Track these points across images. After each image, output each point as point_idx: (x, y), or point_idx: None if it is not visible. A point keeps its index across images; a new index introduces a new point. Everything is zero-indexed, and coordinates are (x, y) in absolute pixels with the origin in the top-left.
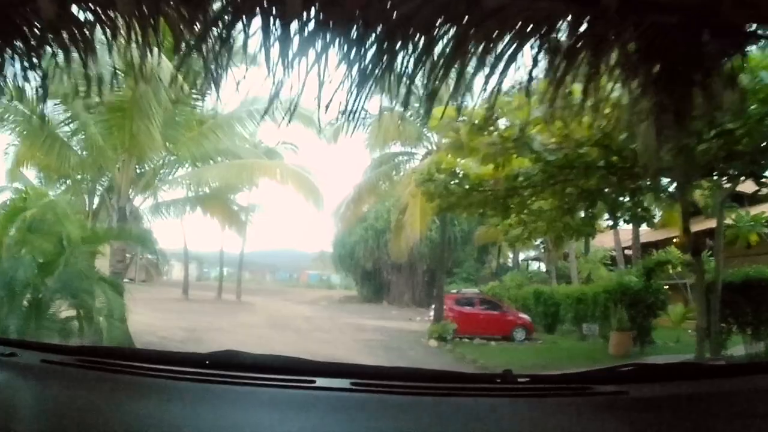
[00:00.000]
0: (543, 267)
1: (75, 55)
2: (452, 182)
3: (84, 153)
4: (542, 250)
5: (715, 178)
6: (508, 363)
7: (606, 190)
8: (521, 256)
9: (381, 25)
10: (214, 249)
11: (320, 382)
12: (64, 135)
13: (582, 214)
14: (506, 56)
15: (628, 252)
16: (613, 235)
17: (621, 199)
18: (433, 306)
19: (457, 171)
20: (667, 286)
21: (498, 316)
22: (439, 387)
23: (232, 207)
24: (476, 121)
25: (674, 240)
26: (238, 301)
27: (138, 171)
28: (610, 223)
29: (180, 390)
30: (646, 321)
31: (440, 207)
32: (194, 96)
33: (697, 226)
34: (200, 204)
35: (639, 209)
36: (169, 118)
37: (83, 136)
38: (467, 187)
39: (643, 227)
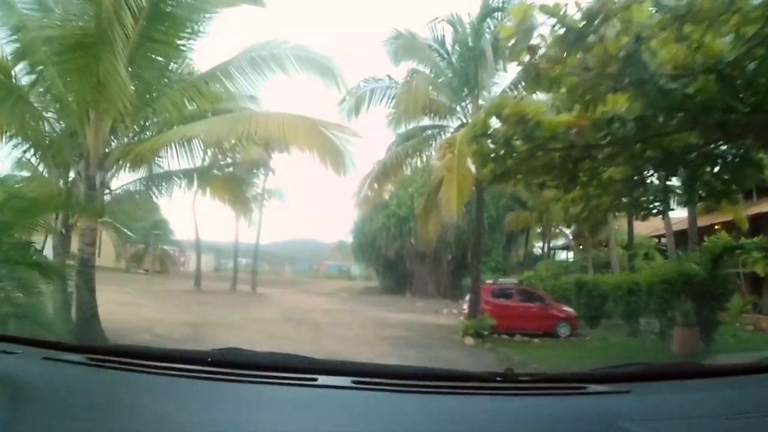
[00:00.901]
0: (571, 256)
1: None
2: (516, 137)
3: (47, 110)
4: (571, 238)
5: None
6: (561, 364)
7: (690, 156)
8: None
9: None
10: (233, 240)
11: (322, 380)
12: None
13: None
14: None
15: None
16: (663, 218)
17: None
18: (468, 298)
19: (527, 118)
20: None
21: (540, 309)
22: (440, 385)
23: (238, 186)
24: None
25: (716, 227)
26: (253, 293)
27: (113, 139)
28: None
29: (181, 387)
30: (713, 314)
31: (493, 173)
32: (179, 32)
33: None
34: (200, 179)
35: (719, 182)
36: (149, 63)
37: (43, 89)
38: (536, 142)
39: (674, 214)
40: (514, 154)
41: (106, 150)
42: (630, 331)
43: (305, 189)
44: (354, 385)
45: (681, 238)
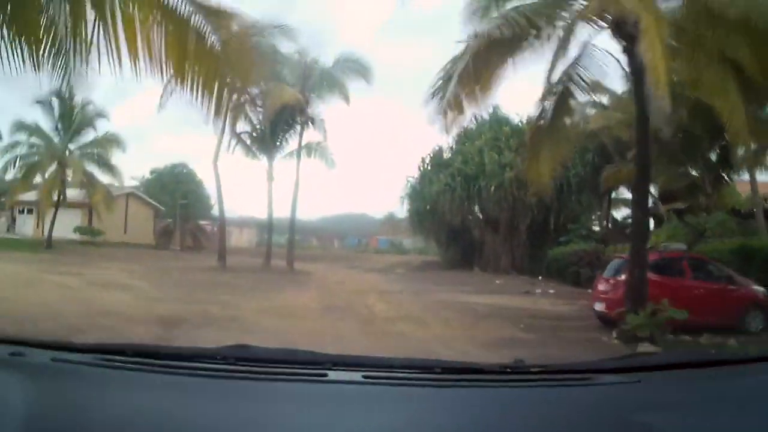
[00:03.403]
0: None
1: None
2: None
3: None
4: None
5: None
6: None
7: None
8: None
9: None
10: (280, 214)
11: (332, 375)
12: None
13: None
14: None
15: None
16: None
17: None
18: (622, 272)
19: None
20: None
21: (723, 289)
22: (451, 378)
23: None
24: None
25: None
26: (289, 270)
27: None
28: None
29: (191, 385)
30: None
31: None
32: None
33: None
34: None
35: None
36: None
37: None
38: None
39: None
40: None
41: None
42: None
43: (354, 157)
44: (364, 379)
45: None
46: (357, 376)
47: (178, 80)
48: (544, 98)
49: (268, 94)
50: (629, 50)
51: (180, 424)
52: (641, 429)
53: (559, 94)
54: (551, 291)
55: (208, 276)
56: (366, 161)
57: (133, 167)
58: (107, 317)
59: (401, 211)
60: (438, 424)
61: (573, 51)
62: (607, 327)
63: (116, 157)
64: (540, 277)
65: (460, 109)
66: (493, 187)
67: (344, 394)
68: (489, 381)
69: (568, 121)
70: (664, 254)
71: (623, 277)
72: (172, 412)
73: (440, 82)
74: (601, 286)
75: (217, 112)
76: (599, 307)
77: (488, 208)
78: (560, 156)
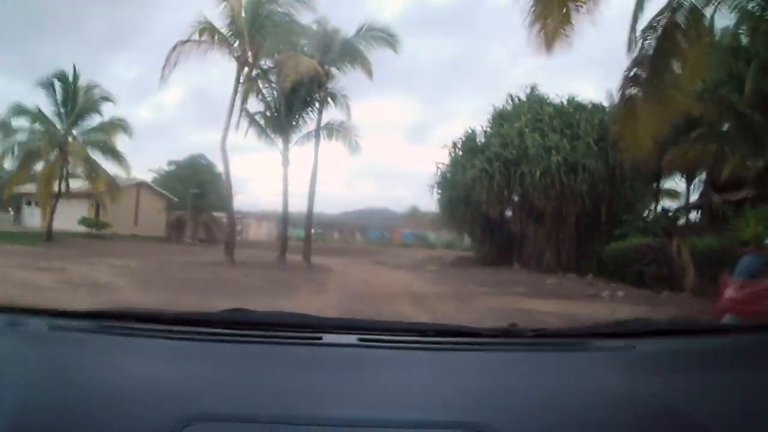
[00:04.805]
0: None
1: None
2: None
3: None
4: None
5: None
6: None
7: None
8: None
9: None
10: (301, 207)
11: (327, 338)
12: None
13: None
14: None
15: None
16: None
17: None
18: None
19: None
20: None
21: None
22: (446, 341)
23: None
24: None
25: None
26: (307, 265)
27: None
28: None
29: (188, 349)
30: None
31: None
32: None
33: None
34: None
35: None
36: None
37: None
38: None
39: None
40: None
41: None
42: None
43: (376, 150)
44: (360, 342)
45: None
46: (352, 339)
47: None
48: (643, 37)
49: (283, 65)
50: None
51: (177, 388)
52: (635, 394)
53: (664, 29)
54: (620, 294)
55: (210, 273)
56: (388, 156)
57: (157, 160)
58: None
59: (426, 203)
60: (433, 386)
61: None
62: None
63: (133, 147)
64: (590, 276)
65: (564, 16)
66: (537, 173)
67: (339, 357)
68: (484, 344)
69: (676, 64)
70: None
71: None
72: (169, 377)
73: None
74: (734, 293)
75: None
76: (735, 322)
77: (532, 197)
78: (667, 110)
